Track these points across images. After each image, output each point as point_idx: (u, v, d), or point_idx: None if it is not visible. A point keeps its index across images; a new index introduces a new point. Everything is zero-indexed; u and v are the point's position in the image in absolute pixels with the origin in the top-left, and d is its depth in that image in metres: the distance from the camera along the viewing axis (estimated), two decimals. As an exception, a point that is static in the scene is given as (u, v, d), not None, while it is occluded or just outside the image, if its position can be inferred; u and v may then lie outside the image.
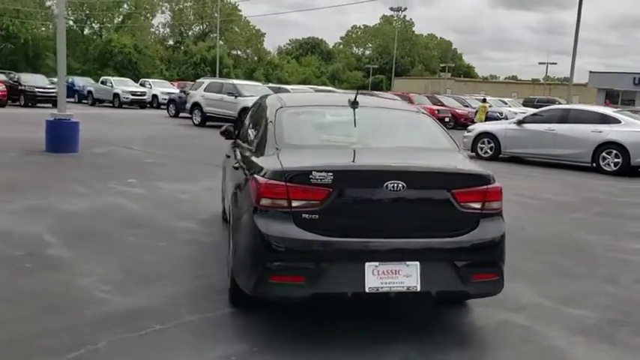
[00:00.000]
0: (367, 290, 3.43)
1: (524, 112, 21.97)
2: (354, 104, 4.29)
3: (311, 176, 3.41)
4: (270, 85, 26.45)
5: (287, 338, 3.72)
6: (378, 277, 3.44)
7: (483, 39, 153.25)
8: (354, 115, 4.18)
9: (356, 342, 3.69)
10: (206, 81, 23.45)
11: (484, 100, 28.08)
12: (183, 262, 5.19)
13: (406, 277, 3.46)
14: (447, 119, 25.99)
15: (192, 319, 3.94)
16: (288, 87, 26.41)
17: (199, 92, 22.20)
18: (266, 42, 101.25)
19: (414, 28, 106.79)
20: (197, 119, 22.03)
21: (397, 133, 4.40)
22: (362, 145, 4.05)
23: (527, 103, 37.32)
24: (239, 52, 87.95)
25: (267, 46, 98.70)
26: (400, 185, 3.44)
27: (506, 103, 34.38)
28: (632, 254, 6.25)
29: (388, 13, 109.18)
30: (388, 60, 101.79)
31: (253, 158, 4.02)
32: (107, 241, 5.74)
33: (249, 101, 19.98)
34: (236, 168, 4.57)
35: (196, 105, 22.07)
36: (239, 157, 4.78)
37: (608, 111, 13.86)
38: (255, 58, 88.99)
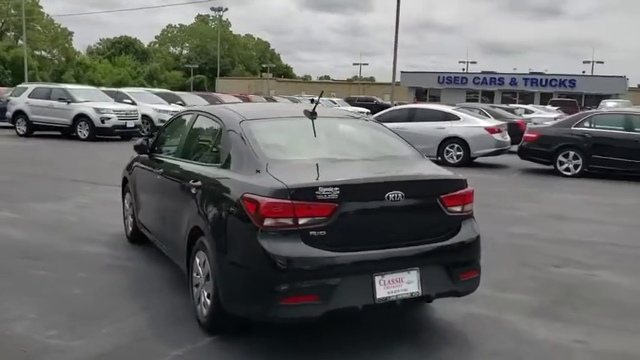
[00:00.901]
0: (377, 301, 3.47)
1: (362, 112, 23.30)
2: (312, 115, 4.30)
3: (317, 192, 3.35)
4: (104, 88, 24.60)
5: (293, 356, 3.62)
6: (385, 287, 3.49)
7: (295, 40, 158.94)
8: (314, 126, 4.18)
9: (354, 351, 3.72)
10: (30, 86, 21.13)
11: (312, 101, 29.27)
12: (118, 293, 4.72)
13: (408, 283, 3.57)
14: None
15: (178, 353, 3.63)
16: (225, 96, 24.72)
17: (22, 99, 19.91)
18: (75, 41, 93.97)
19: (231, 28, 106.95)
20: (22, 129, 19.75)
21: (365, 144, 4.47)
22: (342, 157, 4.06)
23: (349, 102, 39.62)
24: (44, 53, 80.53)
25: (76, 46, 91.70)
26: (400, 195, 3.53)
27: (335, 103, 36.08)
28: (521, 238, 7.03)
29: (203, 12, 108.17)
30: (207, 60, 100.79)
31: (229, 176, 3.80)
32: (14, 278, 5.00)
33: (85, 107, 18.55)
34: (185, 187, 4.27)
35: (20, 113, 19.79)
36: (182, 174, 4.49)
37: (449, 109, 15.29)
38: (63, 59, 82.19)
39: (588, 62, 63.76)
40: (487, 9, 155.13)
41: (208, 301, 3.85)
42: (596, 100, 43.50)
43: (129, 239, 6.22)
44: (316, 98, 4.68)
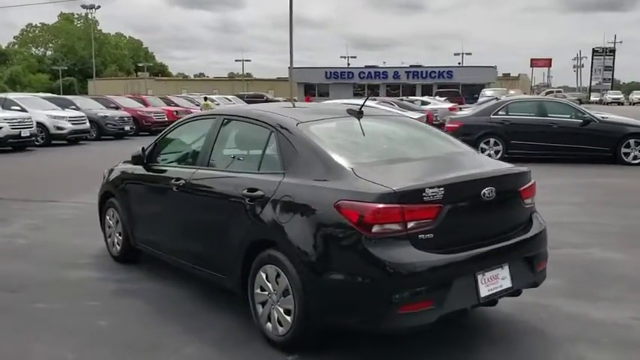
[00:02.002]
0: (481, 300, 3.42)
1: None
2: (359, 114, 4.16)
3: (424, 194, 3.23)
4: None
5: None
6: (486, 285, 3.45)
7: (165, 38, 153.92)
8: (361, 126, 4.05)
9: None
10: None
11: (205, 99, 28.75)
12: (151, 319, 4.26)
13: (503, 279, 3.55)
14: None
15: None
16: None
17: None
18: None
19: (99, 27, 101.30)
20: None
21: (423, 141, 4.37)
22: (417, 156, 3.96)
23: (241, 99, 39.13)
24: None
25: None
26: (493, 191, 3.49)
27: (230, 100, 35.41)
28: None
29: (66, 10, 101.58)
30: (76, 61, 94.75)
31: (306, 183, 3.53)
32: (15, 315, 4.33)
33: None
34: (233, 200, 3.94)
35: None
36: (223, 186, 4.14)
37: (374, 104, 15.55)
38: None
39: (458, 54, 68.19)
40: (354, 5, 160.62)
41: (287, 318, 3.58)
42: (471, 89, 46.53)
43: (117, 259, 5.65)
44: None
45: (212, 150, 4.45)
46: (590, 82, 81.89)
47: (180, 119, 5.17)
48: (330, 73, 55.31)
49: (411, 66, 55.21)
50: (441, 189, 3.27)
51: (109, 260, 5.70)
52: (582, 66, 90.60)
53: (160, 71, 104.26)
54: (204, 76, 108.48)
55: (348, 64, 62.38)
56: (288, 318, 3.58)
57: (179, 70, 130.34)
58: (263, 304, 3.80)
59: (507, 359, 3.66)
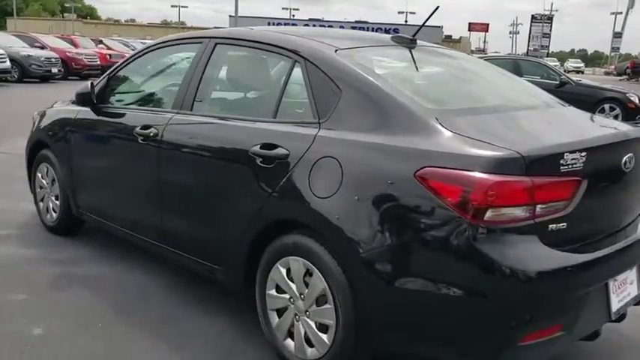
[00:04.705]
0: (613, 316, 2.38)
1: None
2: (412, 43, 2.99)
3: (562, 161, 2.10)
4: None
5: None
6: (617, 295, 2.40)
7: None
8: (413, 59, 2.88)
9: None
10: None
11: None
12: (106, 323, 2.99)
13: (631, 284, 2.51)
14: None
15: None
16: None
17: None
18: None
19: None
20: None
21: (511, 86, 3.19)
22: (515, 106, 2.78)
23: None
24: None
25: None
26: (633, 159, 2.41)
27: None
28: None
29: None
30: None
31: (366, 139, 2.30)
32: None
33: None
34: (241, 159, 2.69)
35: None
36: (225, 139, 2.86)
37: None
38: None
39: (402, 13, 67.17)
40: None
41: (323, 337, 2.42)
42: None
43: (52, 230, 4.28)
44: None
45: (198, 87, 3.13)
46: (528, 49, 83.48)
47: (148, 45, 3.77)
48: (274, 24, 52.81)
49: (356, 21, 53.55)
50: (583, 154, 2.16)
51: (42, 231, 4.31)
52: (518, 32, 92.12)
53: (87, 14, 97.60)
54: (134, 21, 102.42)
55: (293, 16, 60.02)
56: (325, 337, 2.43)
57: (109, 15, 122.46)
58: (280, 311, 2.63)
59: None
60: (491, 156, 2.03)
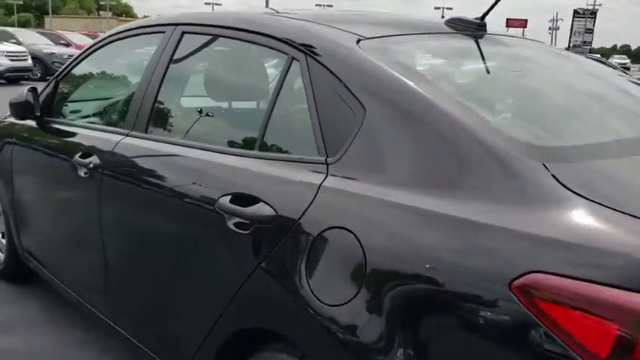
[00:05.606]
0: None
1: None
2: (479, 28, 1.91)
3: None
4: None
5: None
6: None
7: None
8: (483, 56, 1.80)
9: None
10: None
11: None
12: None
13: None
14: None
15: None
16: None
17: None
18: None
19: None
20: None
21: (606, 92, 2.05)
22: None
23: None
24: None
25: None
26: None
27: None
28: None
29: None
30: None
31: (404, 199, 1.27)
32: None
33: None
34: (212, 219, 1.68)
35: None
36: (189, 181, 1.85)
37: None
38: None
39: (439, 9, 65.30)
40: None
41: None
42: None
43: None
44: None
45: (156, 98, 2.10)
46: (570, 45, 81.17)
47: (100, 38, 2.73)
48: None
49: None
50: None
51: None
52: (558, 28, 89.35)
53: (123, 12, 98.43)
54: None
55: (327, 5, 59.07)
56: None
57: (145, 13, 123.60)
58: None
59: None
60: None
